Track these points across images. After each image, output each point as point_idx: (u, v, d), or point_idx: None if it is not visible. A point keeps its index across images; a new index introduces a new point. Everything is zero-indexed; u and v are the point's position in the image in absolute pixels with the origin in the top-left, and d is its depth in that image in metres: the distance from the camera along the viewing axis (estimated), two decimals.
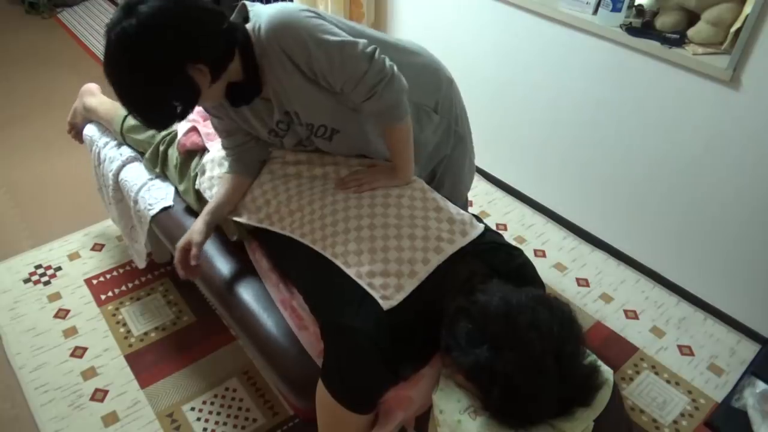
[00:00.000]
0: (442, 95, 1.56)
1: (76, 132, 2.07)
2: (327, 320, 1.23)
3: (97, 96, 1.98)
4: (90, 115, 1.99)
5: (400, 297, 1.17)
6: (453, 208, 1.38)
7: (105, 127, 1.98)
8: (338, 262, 1.25)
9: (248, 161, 1.49)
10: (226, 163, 1.53)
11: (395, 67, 1.28)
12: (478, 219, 1.38)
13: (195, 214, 1.69)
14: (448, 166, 1.68)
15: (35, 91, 3.24)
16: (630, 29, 1.90)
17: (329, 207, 1.34)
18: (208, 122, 1.76)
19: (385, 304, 1.17)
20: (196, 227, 1.43)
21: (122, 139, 1.87)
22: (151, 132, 1.78)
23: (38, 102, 3.15)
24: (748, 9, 1.66)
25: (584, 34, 2.02)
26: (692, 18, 1.86)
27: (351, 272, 1.23)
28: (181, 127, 1.73)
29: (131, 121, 1.83)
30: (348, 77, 1.24)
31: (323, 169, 1.47)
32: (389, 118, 1.33)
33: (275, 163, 1.50)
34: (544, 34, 2.14)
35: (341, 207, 1.34)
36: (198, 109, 1.84)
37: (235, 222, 1.52)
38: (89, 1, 4.34)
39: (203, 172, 1.60)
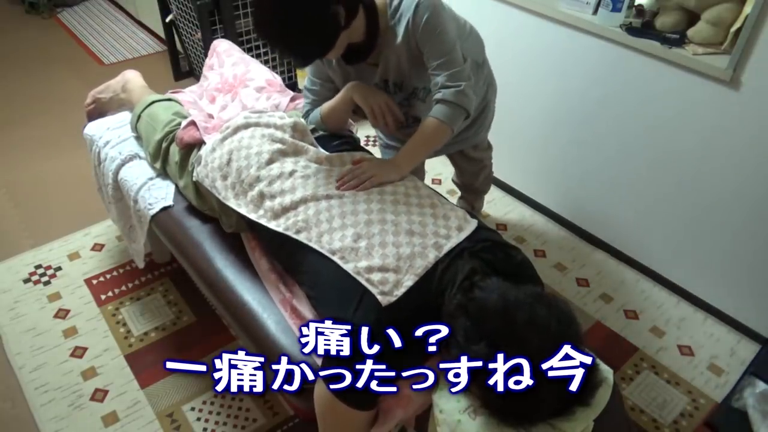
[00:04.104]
0: (485, 56, 1.78)
1: (96, 107, 2.08)
2: (327, 317, 1.23)
3: (139, 81, 2.04)
4: (122, 95, 2.02)
5: (398, 293, 1.18)
6: (447, 204, 1.40)
7: (113, 117, 2.01)
8: (335, 258, 1.26)
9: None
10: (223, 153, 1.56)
11: None
12: (472, 215, 1.39)
13: (195, 213, 1.69)
14: (485, 112, 1.89)
15: (35, 91, 3.24)
16: (630, 29, 1.90)
17: (324, 203, 1.35)
18: (207, 115, 1.77)
19: (384, 300, 1.17)
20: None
21: (136, 120, 1.87)
22: (169, 118, 1.78)
23: (38, 102, 3.15)
24: (748, 9, 1.66)
25: (584, 34, 2.02)
26: (692, 18, 1.86)
27: (348, 268, 1.23)
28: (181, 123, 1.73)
29: (154, 107, 1.85)
30: (444, 55, 1.45)
31: (317, 165, 1.48)
32: (443, 112, 1.46)
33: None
34: (544, 34, 2.14)
35: (336, 203, 1.34)
36: (201, 106, 1.85)
37: (233, 213, 1.53)
38: (89, 1, 4.34)
39: (199, 163, 1.60)
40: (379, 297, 1.17)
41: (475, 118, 1.83)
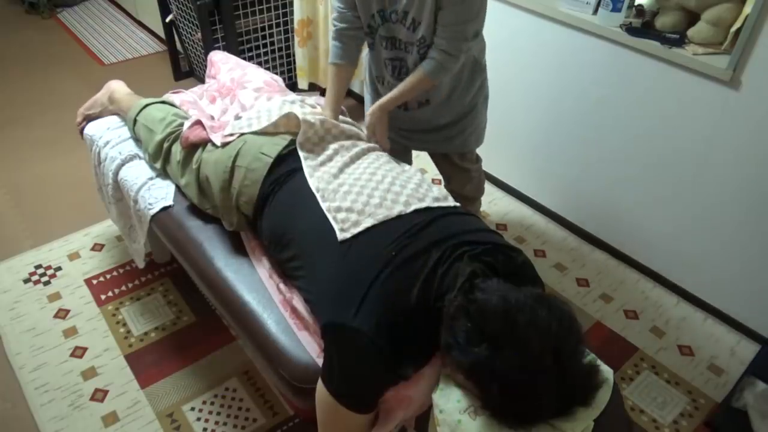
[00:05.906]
0: (485, 58, 1.82)
1: (88, 124, 2.07)
2: (327, 320, 1.23)
3: (124, 89, 2.06)
4: (111, 106, 2.02)
5: (354, 231, 1.28)
6: (435, 188, 1.49)
7: (113, 117, 2.02)
8: (318, 196, 1.39)
9: (351, 48, 1.73)
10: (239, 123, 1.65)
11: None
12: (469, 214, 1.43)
13: (195, 213, 1.69)
14: (481, 110, 1.90)
15: (35, 91, 3.24)
16: (630, 29, 1.90)
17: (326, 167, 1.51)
18: (208, 116, 1.78)
19: (340, 236, 1.27)
20: (327, 115, 1.71)
21: (133, 125, 1.87)
22: (170, 119, 1.79)
23: (38, 102, 3.15)
24: (748, 9, 1.66)
25: (584, 34, 2.02)
26: (692, 18, 1.86)
27: (324, 206, 1.36)
28: (185, 124, 1.73)
29: (149, 110, 1.85)
30: (456, 24, 1.53)
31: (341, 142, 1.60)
32: (431, 70, 1.59)
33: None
34: (544, 34, 2.14)
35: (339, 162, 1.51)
36: (201, 106, 1.85)
37: (234, 213, 1.54)
38: (89, 1, 4.34)
39: (238, 118, 1.70)
40: (337, 233, 1.28)
41: (461, 117, 1.82)
